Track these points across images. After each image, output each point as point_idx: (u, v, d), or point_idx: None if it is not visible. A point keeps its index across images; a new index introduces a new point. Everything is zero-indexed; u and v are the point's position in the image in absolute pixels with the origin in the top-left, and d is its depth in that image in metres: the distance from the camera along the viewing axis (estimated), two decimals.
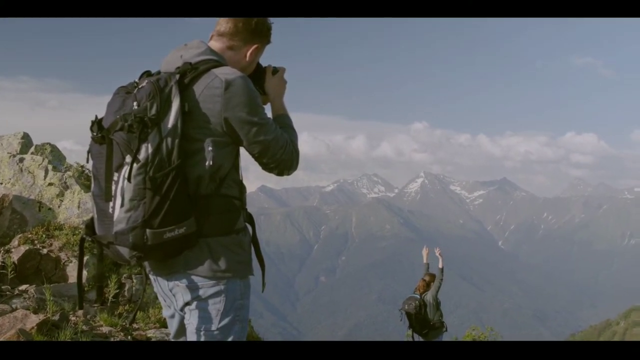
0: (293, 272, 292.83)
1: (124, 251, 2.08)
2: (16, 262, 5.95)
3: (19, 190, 7.54)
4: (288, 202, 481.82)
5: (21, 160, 7.84)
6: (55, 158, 8.08)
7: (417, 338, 9.08)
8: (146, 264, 2.33)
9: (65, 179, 7.65)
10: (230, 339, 2.24)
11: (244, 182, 2.35)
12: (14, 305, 4.97)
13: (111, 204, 2.07)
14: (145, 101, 2.05)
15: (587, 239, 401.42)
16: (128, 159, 2.03)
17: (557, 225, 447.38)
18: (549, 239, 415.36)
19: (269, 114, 2.41)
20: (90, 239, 2.18)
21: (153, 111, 2.03)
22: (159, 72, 2.26)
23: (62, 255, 6.37)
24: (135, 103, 2.06)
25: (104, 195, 2.08)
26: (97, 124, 2.13)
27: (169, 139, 2.05)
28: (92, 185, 2.22)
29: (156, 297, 6.16)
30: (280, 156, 2.28)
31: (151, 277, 2.38)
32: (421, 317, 8.79)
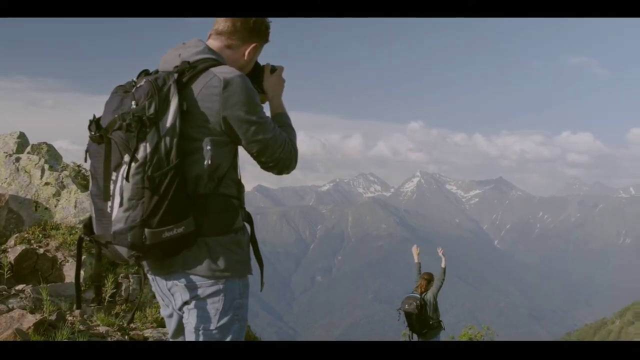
0: (289, 271, 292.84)
1: (123, 251, 2.07)
2: (13, 261, 5.94)
3: (16, 190, 7.53)
4: (284, 202, 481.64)
5: (17, 159, 7.82)
6: (52, 157, 8.07)
7: (414, 338, 9.07)
8: (144, 263, 2.33)
9: (62, 178, 7.64)
10: (229, 339, 2.23)
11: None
12: (10, 305, 4.96)
13: (109, 203, 2.06)
14: (143, 100, 2.04)
15: (582, 238, 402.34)
16: (126, 158, 2.02)
17: (552, 224, 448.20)
18: (545, 238, 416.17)
19: (267, 113, 2.40)
20: (88, 239, 2.17)
21: (151, 110, 2.03)
22: (157, 71, 2.25)
23: (59, 254, 6.36)
24: (133, 102, 2.05)
25: (102, 195, 2.08)
26: (95, 123, 2.13)
27: (168, 138, 2.04)
28: (91, 184, 2.20)
29: (153, 297, 6.16)
30: (279, 155, 2.27)
31: (149, 276, 2.37)
32: (422, 317, 8.78)
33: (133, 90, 2.10)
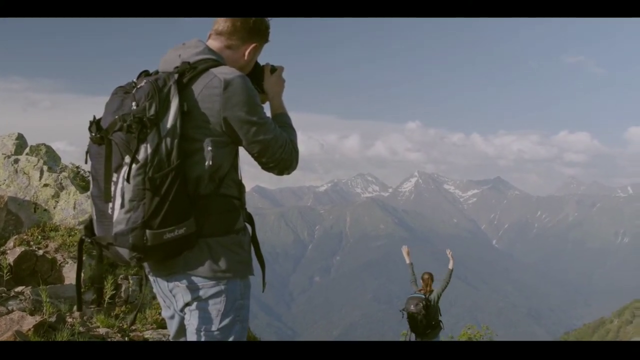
0: (287, 272, 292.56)
1: (124, 252, 2.07)
2: (12, 263, 5.93)
3: (14, 192, 7.52)
4: (282, 202, 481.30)
5: (16, 161, 7.81)
6: (51, 159, 8.06)
7: (412, 338, 9.06)
8: (145, 264, 2.32)
9: (61, 179, 7.63)
10: (230, 340, 2.23)
11: None
12: (10, 307, 4.95)
13: (110, 205, 2.06)
14: (144, 101, 2.04)
15: (580, 237, 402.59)
16: (127, 159, 2.02)
17: (550, 223, 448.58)
18: (543, 238, 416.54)
19: (268, 113, 2.40)
20: (89, 240, 2.16)
21: (152, 111, 2.02)
22: (157, 72, 2.25)
23: (58, 256, 6.36)
24: (134, 103, 2.05)
25: (103, 196, 2.07)
26: (95, 124, 2.12)
27: (168, 139, 2.04)
28: (91, 186, 2.20)
29: (153, 298, 6.16)
30: (280, 155, 2.28)
31: (151, 278, 2.37)
32: (428, 317, 8.77)
33: (133, 91, 2.10)
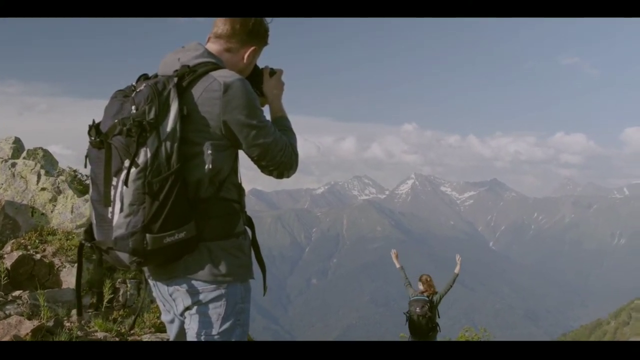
0: (284, 274, 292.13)
1: (124, 256, 2.06)
2: (9, 267, 5.91)
3: (12, 196, 7.50)
4: (279, 205, 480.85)
5: (13, 165, 7.80)
6: (48, 163, 8.05)
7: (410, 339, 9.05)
8: (145, 268, 2.31)
9: (58, 183, 7.62)
10: None
11: None
12: (7, 312, 4.94)
13: (110, 209, 2.05)
14: (143, 105, 2.03)
15: (577, 238, 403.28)
16: (127, 163, 2.01)
17: (547, 225, 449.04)
18: (540, 239, 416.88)
19: (268, 116, 2.39)
20: (89, 245, 2.16)
21: (151, 115, 2.02)
22: (156, 75, 2.25)
23: (56, 260, 6.34)
24: (133, 107, 2.04)
25: (103, 200, 2.07)
26: (95, 128, 2.12)
27: (168, 143, 2.03)
28: (91, 190, 2.19)
29: (151, 302, 6.15)
30: (280, 159, 2.27)
31: (150, 282, 2.36)
32: (432, 319, 8.76)
33: (133, 94, 2.09)
